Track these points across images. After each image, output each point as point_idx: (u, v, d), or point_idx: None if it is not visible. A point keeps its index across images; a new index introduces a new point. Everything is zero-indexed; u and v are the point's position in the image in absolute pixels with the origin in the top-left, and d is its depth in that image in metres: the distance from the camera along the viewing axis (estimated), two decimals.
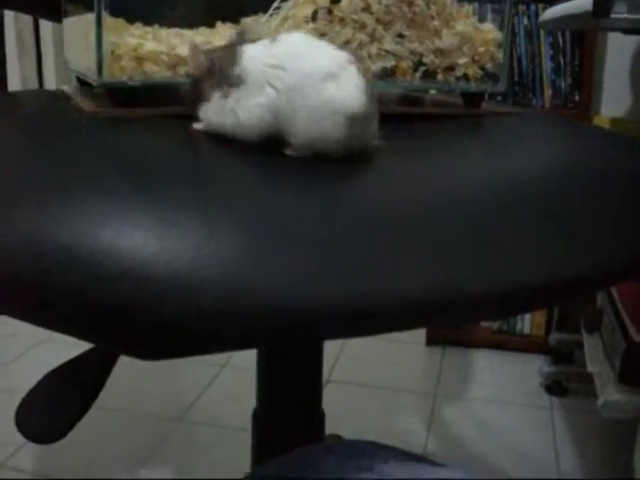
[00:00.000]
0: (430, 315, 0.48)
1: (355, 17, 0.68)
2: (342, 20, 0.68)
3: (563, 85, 1.84)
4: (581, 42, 1.82)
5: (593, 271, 0.54)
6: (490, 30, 0.77)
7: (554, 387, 1.82)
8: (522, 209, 0.54)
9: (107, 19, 0.71)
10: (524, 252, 0.51)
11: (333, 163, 0.52)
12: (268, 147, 0.54)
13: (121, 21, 0.79)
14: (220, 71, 0.55)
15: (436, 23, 0.72)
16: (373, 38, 0.69)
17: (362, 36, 0.69)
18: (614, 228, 0.57)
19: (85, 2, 0.69)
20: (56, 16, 0.94)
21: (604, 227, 0.57)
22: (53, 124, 0.61)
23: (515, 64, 1.83)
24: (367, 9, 0.69)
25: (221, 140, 0.56)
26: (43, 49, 1.12)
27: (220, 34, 0.75)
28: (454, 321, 0.50)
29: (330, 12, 0.68)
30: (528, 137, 0.72)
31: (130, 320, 0.41)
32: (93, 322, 0.42)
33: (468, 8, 0.78)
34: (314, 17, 0.67)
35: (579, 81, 1.83)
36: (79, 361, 0.80)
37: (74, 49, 0.81)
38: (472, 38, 0.75)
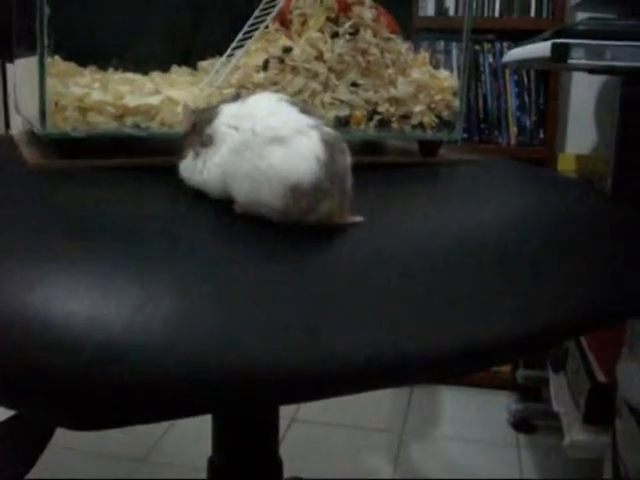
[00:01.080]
0: (382, 378, 0.46)
1: (307, 66, 0.67)
2: (294, 69, 0.67)
3: (528, 123, 1.85)
4: (546, 80, 1.83)
5: (548, 328, 0.53)
6: (446, 78, 0.76)
7: (521, 424, 1.81)
8: (475, 263, 0.53)
9: (58, 62, 0.70)
10: (475, 310, 0.50)
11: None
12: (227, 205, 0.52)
13: (72, 65, 0.78)
14: (198, 130, 0.53)
15: (391, 71, 0.72)
16: (326, 87, 0.68)
17: (315, 85, 0.68)
18: (571, 280, 0.56)
19: (33, 45, 0.67)
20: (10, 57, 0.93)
21: (560, 280, 0.56)
22: None
23: (480, 101, 1.84)
24: (320, 58, 0.68)
25: (174, 195, 0.55)
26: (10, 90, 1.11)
27: (172, 79, 0.74)
28: (408, 383, 0.49)
29: (282, 61, 0.67)
30: (484, 186, 0.71)
31: (59, 390, 0.39)
32: (22, 392, 0.40)
33: (425, 55, 0.78)
34: (265, 66, 0.66)
35: (544, 119, 1.84)
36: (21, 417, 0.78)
37: (22, 94, 0.80)
38: (428, 86, 0.74)
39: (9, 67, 1.10)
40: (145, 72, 0.82)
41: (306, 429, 1.76)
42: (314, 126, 0.48)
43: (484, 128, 1.85)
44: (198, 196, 0.54)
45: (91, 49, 0.82)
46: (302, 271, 0.47)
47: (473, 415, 1.88)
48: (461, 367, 0.51)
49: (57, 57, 0.69)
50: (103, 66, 0.82)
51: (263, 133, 0.48)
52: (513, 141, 1.86)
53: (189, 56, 0.85)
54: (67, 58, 0.73)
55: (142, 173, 0.61)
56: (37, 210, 0.51)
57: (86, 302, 0.41)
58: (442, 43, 1.73)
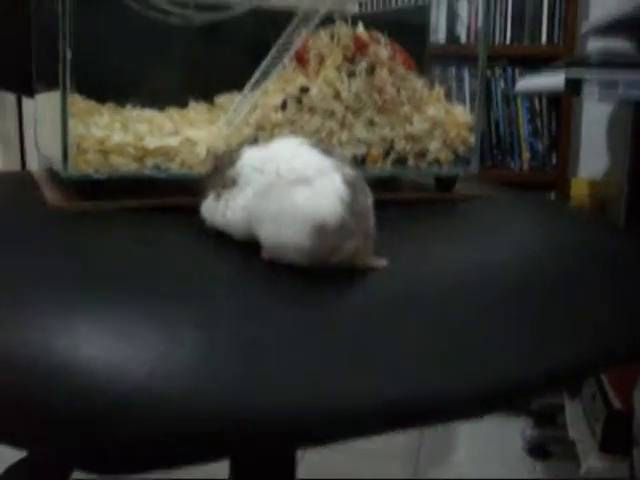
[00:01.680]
0: (401, 422, 0.47)
1: (325, 105, 0.68)
2: (311, 109, 0.68)
3: (541, 148, 1.85)
4: (558, 105, 1.84)
5: (566, 368, 0.53)
6: (461, 113, 0.77)
7: (537, 451, 1.80)
8: (491, 304, 0.53)
9: (77, 100, 0.71)
10: (493, 351, 0.50)
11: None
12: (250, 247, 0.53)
13: (91, 103, 0.79)
14: (220, 172, 0.54)
15: (407, 109, 0.72)
16: (343, 126, 0.69)
17: (332, 124, 0.68)
18: (589, 321, 0.56)
19: (52, 81, 0.68)
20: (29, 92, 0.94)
21: (578, 321, 0.56)
22: (12, 219, 0.61)
23: (493, 127, 1.84)
24: (337, 97, 0.69)
25: (196, 237, 0.55)
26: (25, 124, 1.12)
27: (190, 118, 0.75)
28: (426, 426, 0.49)
29: (299, 101, 0.67)
30: (501, 223, 0.71)
31: (80, 435, 0.40)
32: (44, 435, 0.41)
33: (439, 91, 0.78)
34: (284, 106, 0.67)
35: (556, 144, 1.84)
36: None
37: (41, 131, 0.81)
38: (443, 122, 0.75)
39: (24, 101, 1.12)
40: (162, 107, 0.83)
41: (321, 456, 1.75)
42: (336, 167, 0.48)
43: (497, 153, 1.86)
44: (220, 237, 0.54)
45: (109, 85, 0.83)
46: (324, 317, 0.47)
47: (488, 441, 1.87)
48: (478, 411, 0.51)
49: (76, 95, 0.70)
50: (121, 102, 0.83)
51: (287, 175, 0.48)
52: (526, 166, 1.86)
53: (206, 90, 0.86)
54: (85, 94, 0.74)
55: (163, 214, 0.61)
56: (60, 255, 0.52)
57: (108, 349, 0.42)
58: (454, 70, 1.74)
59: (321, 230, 0.47)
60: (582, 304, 0.57)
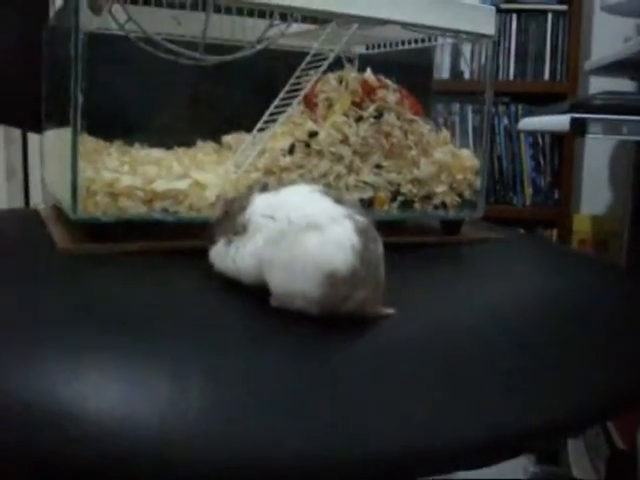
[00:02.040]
0: (400, 473, 0.46)
1: (333, 150, 0.68)
2: (319, 152, 0.68)
3: (543, 184, 1.86)
4: (560, 142, 1.85)
5: (570, 418, 0.53)
6: (468, 157, 0.77)
7: None
8: (493, 353, 0.53)
9: (85, 140, 0.71)
10: (492, 403, 0.50)
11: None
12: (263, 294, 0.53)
13: (100, 142, 0.80)
14: (230, 218, 0.54)
15: (414, 152, 0.73)
16: (351, 170, 0.69)
17: (340, 168, 0.69)
18: (594, 368, 0.56)
19: (61, 119, 0.68)
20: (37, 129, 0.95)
21: (581, 367, 0.56)
22: (21, 260, 0.61)
23: (496, 163, 1.85)
24: (344, 141, 0.69)
25: (204, 282, 0.55)
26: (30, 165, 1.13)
27: (198, 159, 0.75)
28: (427, 475, 0.49)
29: (308, 145, 0.68)
30: (506, 267, 0.71)
31: None
32: None
33: (446, 135, 0.79)
34: (291, 150, 0.67)
35: (559, 180, 1.85)
36: None
37: (51, 171, 0.81)
38: (450, 166, 0.75)
39: (30, 135, 1.12)
40: (169, 146, 0.83)
41: None
42: (348, 214, 0.48)
43: (499, 189, 1.87)
44: (227, 283, 0.54)
45: (117, 123, 0.84)
46: (330, 365, 0.47)
47: (490, 477, 1.85)
48: (478, 461, 0.50)
49: (85, 134, 0.70)
50: (128, 140, 0.84)
51: (298, 222, 0.48)
52: (528, 202, 1.87)
53: (213, 129, 0.87)
54: (93, 132, 0.74)
55: (171, 258, 0.61)
56: (69, 300, 0.52)
57: (119, 397, 0.42)
58: (458, 106, 1.75)
59: (332, 279, 0.46)
60: (586, 350, 0.57)
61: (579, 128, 0.95)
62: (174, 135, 0.88)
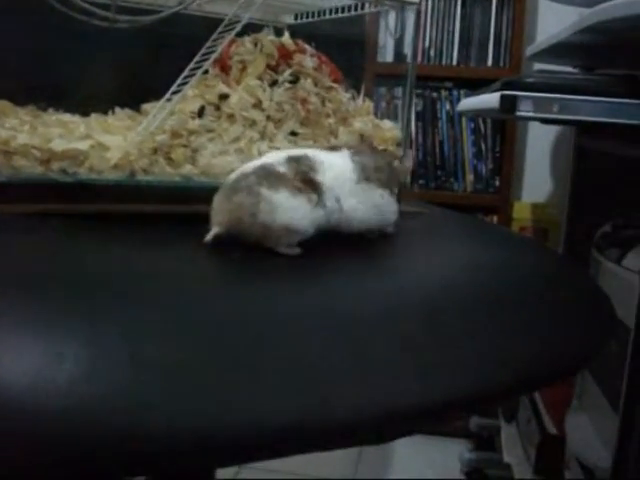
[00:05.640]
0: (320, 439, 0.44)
1: (245, 114, 0.66)
2: (231, 116, 0.65)
3: (484, 170, 1.85)
4: (502, 128, 1.84)
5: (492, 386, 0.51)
6: (390, 128, 0.75)
7: (474, 474, 1.79)
8: (407, 324, 0.51)
9: None
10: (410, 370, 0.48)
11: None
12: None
13: (7, 104, 0.76)
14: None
15: (331, 120, 0.71)
16: (264, 135, 0.67)
17: (252, 133, 0.66)
18: (526, 336, 0.55)
19: None
20: None
21: (507, 336, 0.54)
22: None
23: (437, 148, 1.84)
24: (257, 106, 0.67)
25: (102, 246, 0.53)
26: None
27: (108, 124, 0.72)
28: (365, 442, 0.47)
29: (218, 108, 0.65)
30: (430, 241, 0.70)
31: None
32: None
33: (369, 105, 0.77)
34: (201, 113, 0.65)
35: (500, 166, 1.84)
36: None
37: None
38: (370, 136, 0.73)
39: None
40: (87, 114, 0.80)
41: (255, 476, 1.72)
42: None
43: (440, 175, 1.86)
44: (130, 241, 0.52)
45: (31, 89, 0.81)
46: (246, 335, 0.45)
47: (426, 464, 1.85)
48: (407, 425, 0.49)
49: None
50: (42, 107, 0.80)
51: None
52: (469, 188, 1.86)
53: (135, 97, 0.84)
54: (5, 97, 0.71)
55: (71, 220, 0.58)
56: None
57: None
58: (400, 90, 1.74)
59: None
60: (512, 319, 0.55)
61: (509, 105, 0.93)
62: (95, 104, 0.84)
